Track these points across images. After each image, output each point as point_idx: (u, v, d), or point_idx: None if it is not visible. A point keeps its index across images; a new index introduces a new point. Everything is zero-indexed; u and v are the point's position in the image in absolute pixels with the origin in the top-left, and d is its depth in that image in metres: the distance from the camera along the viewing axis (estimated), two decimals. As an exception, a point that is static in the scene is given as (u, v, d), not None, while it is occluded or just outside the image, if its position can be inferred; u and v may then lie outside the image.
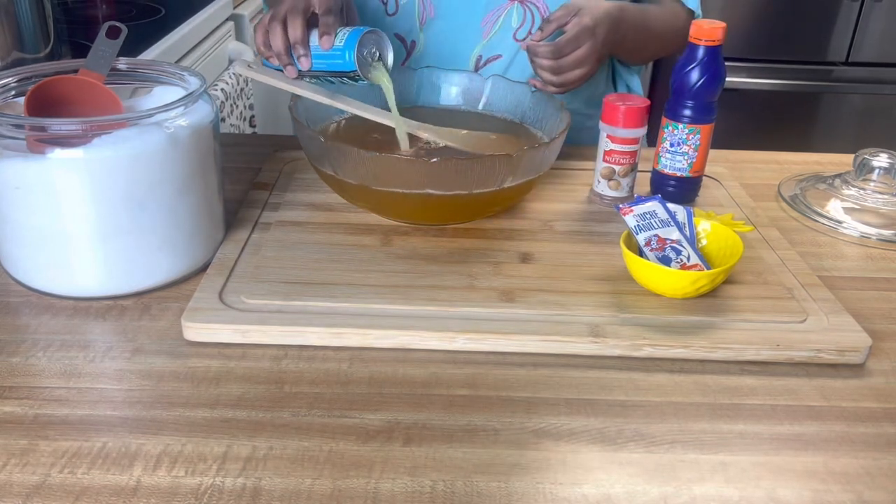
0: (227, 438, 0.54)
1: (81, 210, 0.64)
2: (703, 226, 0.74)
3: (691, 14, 1.01)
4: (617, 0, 0.93)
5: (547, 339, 0.64)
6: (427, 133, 0.84)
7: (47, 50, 1.09)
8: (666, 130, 0.85)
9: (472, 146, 0.84)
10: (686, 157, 0.84)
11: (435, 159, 0.71)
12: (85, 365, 0.61)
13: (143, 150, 0.64)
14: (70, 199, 0.64)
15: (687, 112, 0.83)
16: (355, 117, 0.85)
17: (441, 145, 0.84)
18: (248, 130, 1.82)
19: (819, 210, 0.88)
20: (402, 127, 0.82)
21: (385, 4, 0.99)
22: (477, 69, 1.00)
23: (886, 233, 0.85)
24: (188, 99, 0.67)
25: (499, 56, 0.99)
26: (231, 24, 1.86)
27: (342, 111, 0.87)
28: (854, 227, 0.85)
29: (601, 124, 0.84)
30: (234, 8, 1.90)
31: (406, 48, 1.01)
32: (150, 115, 0.65)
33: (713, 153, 0.88)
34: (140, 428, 0.55)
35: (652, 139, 0.92)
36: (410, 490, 0.50)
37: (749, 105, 2.33)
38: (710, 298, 0.69)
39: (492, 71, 0.98)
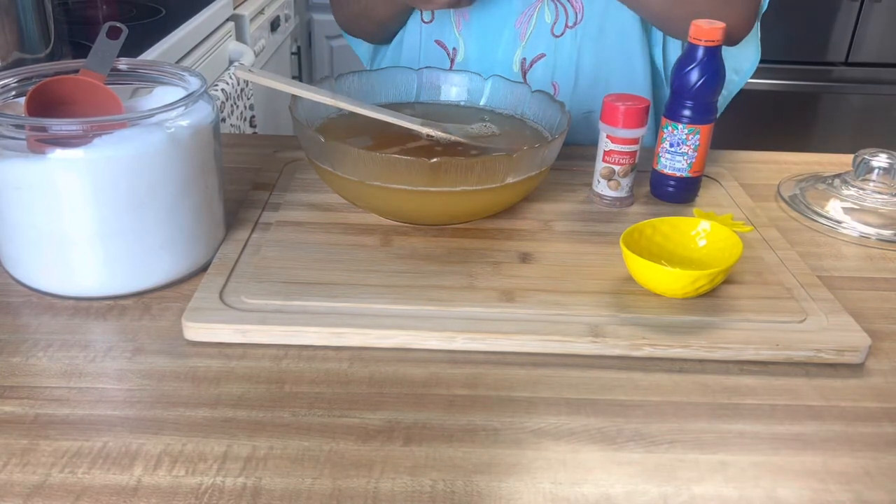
0: (227, 438, 0.54)
1: (82, 210, 0.64)
2: (703, 226, 0.74)
3: None
4: None
5: (547, 339, 0.64)
6: (436, 130, 0.84)
7: (48, 50, 1.09)
8: (665, 130, 0.85)
9: (478, 139, 0.84)
10: (686, 158, 0.84)
11: (435, 159, 0.71)
12: (85, 365, 0.61)
13: (143, 151, 0.64)
14: (71, 199, 0.64)
15: (686, 112, 0.83)
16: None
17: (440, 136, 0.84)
18: (249, 131, 1.82)
19: (818, 210, 0.88)
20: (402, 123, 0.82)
21: (421, 12, 0.99)
22: (524, 73, 0.99)
23: (886, 233, 0.85)
24: (189, 99, 0.67)
25: (542, 55, 0.98)
26: (231, 24, 1.86)
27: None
28: (853, 227, 0.86)
29: (601, 124, 0.84)
30: (235, 8, 1.90)
31: (449, 56, 1.01)
32: (151, 116, 0.65)
33: (713, 153, 0.88)
34: (140, 427, 0.55)
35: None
36: (410, 489, 0.51)
37: (749, 105, 2.33)
38: (710, 298, 0.69)
39: (538, 72, 0.97)
